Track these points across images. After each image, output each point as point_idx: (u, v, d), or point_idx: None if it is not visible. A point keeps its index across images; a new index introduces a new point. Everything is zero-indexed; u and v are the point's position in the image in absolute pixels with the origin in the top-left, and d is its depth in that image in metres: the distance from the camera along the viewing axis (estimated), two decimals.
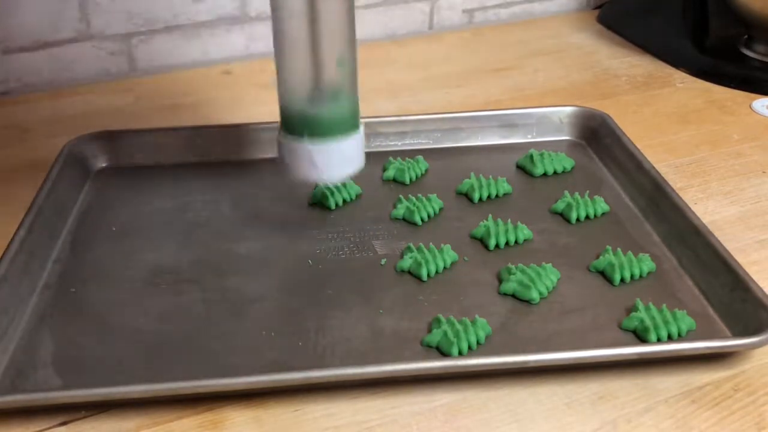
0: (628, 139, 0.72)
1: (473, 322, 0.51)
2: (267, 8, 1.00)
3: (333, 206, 0.66)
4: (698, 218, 0.60)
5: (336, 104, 0.58)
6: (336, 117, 0.57)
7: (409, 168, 0.70)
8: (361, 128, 0.60)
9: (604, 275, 0.58)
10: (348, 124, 0.58)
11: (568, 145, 0.76)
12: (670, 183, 0.65)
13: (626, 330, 0.53)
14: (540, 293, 0.55)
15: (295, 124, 0.57)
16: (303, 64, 0.56)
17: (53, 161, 0.68)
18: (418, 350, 0.51)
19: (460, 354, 0.50)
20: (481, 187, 0.67)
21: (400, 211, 0.65)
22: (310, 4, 0.54)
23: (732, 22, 0.97)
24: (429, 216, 0.65)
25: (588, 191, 0.66)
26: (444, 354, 0.50)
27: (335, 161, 0.58)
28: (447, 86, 0.92)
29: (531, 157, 0.72)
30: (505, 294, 0.56)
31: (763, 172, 0.73)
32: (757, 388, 0.49)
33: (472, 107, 0.85)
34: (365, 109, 0.85)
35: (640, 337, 0.52)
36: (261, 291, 0.57)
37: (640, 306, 0.53)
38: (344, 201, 0.67)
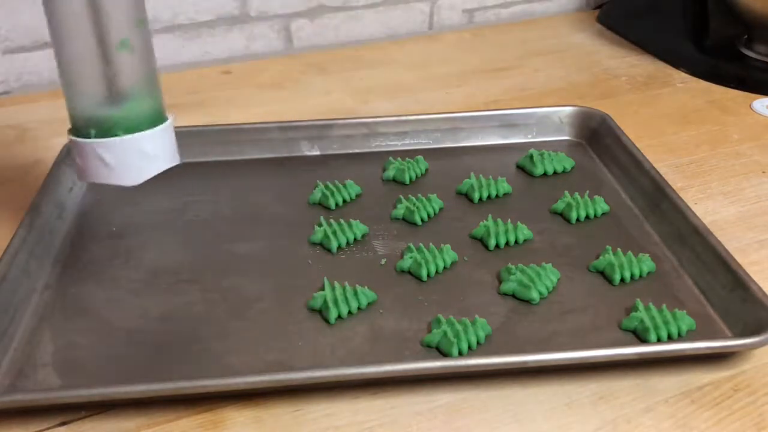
0: (628, 139, 0.72)
1: (473, 322, 0.51)
2: (267, 8, 1.01)
3: (333, 206, 0.66)
4: (698, 218, 0.60)
5: (124, 102, 0.51)
6: (126, 115, 0.51)
7: (409, 168, 0.70)
8: (168, 121, 0.53)
9: (604, 275, 0.58)
10: (144, 120, 0.51)
11: (568, 145, 0.76)
12: (670, 183, 0.65)
13: (626, 330, 0.53)
14: (540, 293, 0.55)
15: (81, 125, 0.51)
16: (82, 48, 0.49)
17: (53, 161, 0.68)
18: (418, 350, 0.51)
19: (460, 354, 0.50)
20: (481, 187, 0.67)
21: (400, 211, 0.65)
22: None
23: (732, 22, 0.97)
24: (429, 216, 0.65)
25: (588, 191, 0.66)
26: (444, 354, 0.50)
27: (131, 159, 0.51)
28: (447, 86, 0.92)
29: (531, 157, 0.72)
30: (505, 294, 0.56)
31: (763, 172, 0.73)
32: (757, 388, 0.49)
33: (472, 107, 0.85)
34: (365, 109, 0.85)
35: (640, 337, 0.52)
36: (261, 291, 0.57)
37: (640, 306, 0.53)
38: (344, 201, 0.67)
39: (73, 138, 0.51)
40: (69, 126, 0.53)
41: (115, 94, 0.50)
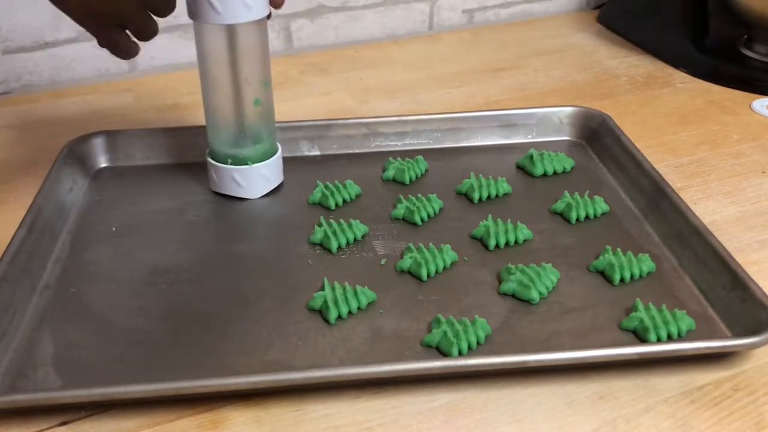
0: (628, 139, 0.72)
1: (473, 322, 0.51)
2: None
3: (333, 206, 0.66)
4: (698, 218, 0.60)
5: (255, 144, 0.66)
6: (256, 152, 0.66)
7: (409, 168, 0.70)
8: (279, 151, 0.68)
9: (604, 275, 0.58)
10: (267, 153, 0.67)
11: (568, 145, 0.76)
12: (670, 183, 0.65)
13: (626, 330, 0.53)
14: (540, 293, 0.55)
15: (221, 157, 0.66)
16: (226, 103, 0.64)
17: (53, 161, 0.68)
18: (418, 350, 0.51)
19: (460, 354, 0.50)
20: (481, 187, 0.67)
21: (400, 211, 0.65)
22: (232, 53, 0.62)
23: (732, 22, 0.97)
24: (429, 216, 0.65)
25: (588, 191, 0.66)
26: (444, 354, 0.50)
27: (256, 181, 0.66)
28: (447, 86, 0.92)
29: (531, 157, 0.72)
30: (505, 294, 0.56)
31: (763, 172, 0.73)
32: (756, 388, 0.49)
33: (472, 107, 0.85)
34: (365, 109, 0.85)
35: (640, 337, 0.52)
36: (261, 291, 0.57)
37: (640, 306, 0.53)
38: (344, 201, 0.67)
39: (213, 162, 0.66)
40: (207, 150, 0.67)
41: (248, 138, 0.66)
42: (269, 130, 0.66)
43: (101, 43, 0.57)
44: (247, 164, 0.65)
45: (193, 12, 0.59)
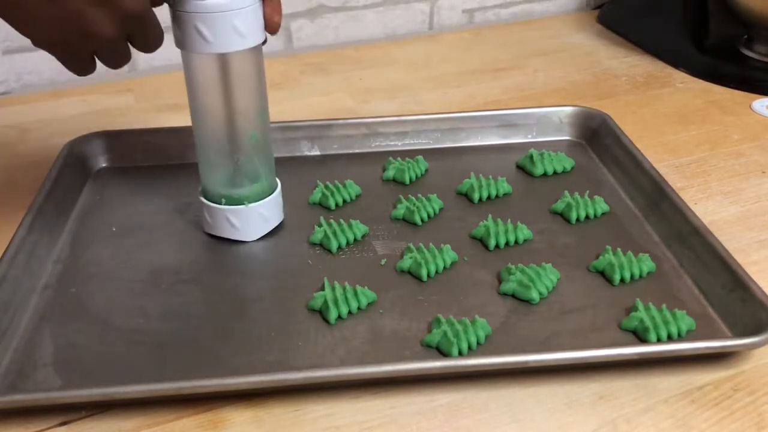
0: (628, 139, 0.72)
1: (473, 322, 0.51)
2: None
3: (333, 206, 0.66)
4: (698, 218, 0.60)
5: (252, 182, 0.60)
6: (252, 191, 0.61)
7: (409, 168, 0.70)
8: (278, 188, 0.63)
9: (604, 275, 0.58)
10: (265, 192, 0.61)
11: (568, 145, 0.76)
12: (670, 183, 0.65)
13: (626, 330, 0.53)
14: (540, 293, 0.55)
15: (214, 196, 0.61)
16: (220, 138, 0.58)
17: (53, 161, 0.68)
18: (418, 350, 0.51)
19: (460, 354, 0.50)
20: (481, 187, 0.67)
21: (400, 211, 0.65)
22: (224, 84, 0.56)
23: (732, 22, 0.97)
24: (429, 216, 0.65)
25: (588, 191, 0.66)
26: (444, 354, 0.50)
27: (253, 222, 0.61)
28: (447, 86, 0.92)
29: (531, 157, 0.72)
30: (505, 294, 0.56)
31: (763, 172, 0.73)
32: (756, 388, 0.49)
33: (471, 107, 0.85)
34: (365, 109, 0.85)
35: (640, 337, 0.52)
36: (261, 291, 0.57)
37: (640, 306, 0.53)
38: (344, 201, 0.67)
39: (206, 202, 0.61)
40: (200, 189, 0.62)
41: (244, 176, 0.60)
42: (267, 167, 0.61)
43: (61, 60, 0.50)
44: (244, 204, 0.60)
45: (181, 41, 0.54)
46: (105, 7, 0.46)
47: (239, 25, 0.52)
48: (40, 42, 0.48)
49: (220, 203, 0.60)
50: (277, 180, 0.63)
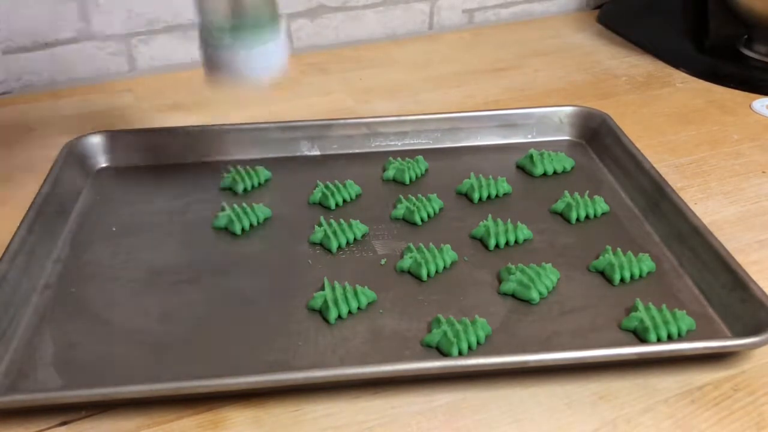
0: (628, 139, 0.72)
1: (473, 322, 0.51)
2: None
3: (333, 206, 0.66)
4: (698, 218, 0.60)
5: (255, 16, 0.57)
6: (256, 29, 0.57)
7: (409, 168, 0.70)
8: (282, 29, 0.59)
9: (604, 275, 0.58)
10: (268, 30, 0.58)
11: (568, 145, 0.76)
12: (670, 183, 0.65)
13: (626, 330, 0.53)
14: (540, 293, 0.55)
15: (214, 36, 0.57)
16: None
17: (53, 161, 0.68)
18: (418, 350, 0.51)
19: (460, 354, 0.50)
20: (481, 187, 0.67)
21: (400, 211, 0.65)
22: None
23: (732, 22, 0.97)
24: (429, 216, 0.65)
25: (588, 191, 0.66)
26: (444, 354, 0.50)
27: (257, 63, 0.58)
28: (447, 86, 0.92)
29: (531, 157, 0.72)
30: (505, 294, 0.56)
31: (763, 172, 0.73)
32: (756, 388, 0.49)
33: (471, 107, 0.85)
34: (365, 109, 0.85)
35: (640, 337, 0.52)
36: (261, 291, 0.57)
37: (640, 306, 0.53)
38: (344, 201, 0.67)
39: (208, 42, 0.57)
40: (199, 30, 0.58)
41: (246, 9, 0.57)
42: (270, 6, 0.58)
43: None
44: (246, 42, 0.57)
45: None
46: None
47: None
48: None
49: (221, 44, 0.57)
50: (283, 19, 0.60)
